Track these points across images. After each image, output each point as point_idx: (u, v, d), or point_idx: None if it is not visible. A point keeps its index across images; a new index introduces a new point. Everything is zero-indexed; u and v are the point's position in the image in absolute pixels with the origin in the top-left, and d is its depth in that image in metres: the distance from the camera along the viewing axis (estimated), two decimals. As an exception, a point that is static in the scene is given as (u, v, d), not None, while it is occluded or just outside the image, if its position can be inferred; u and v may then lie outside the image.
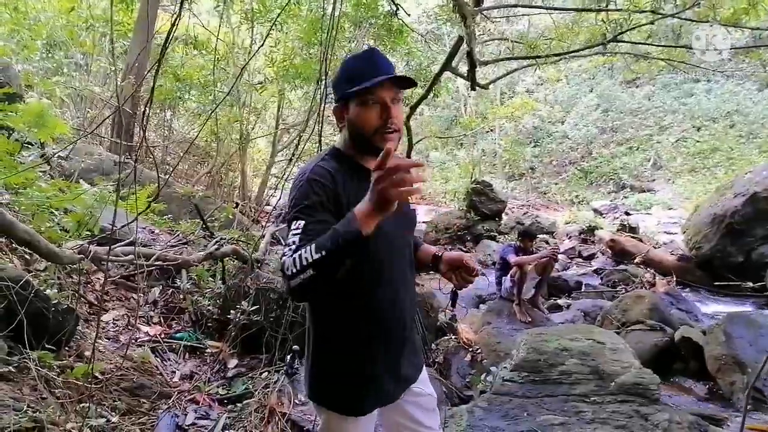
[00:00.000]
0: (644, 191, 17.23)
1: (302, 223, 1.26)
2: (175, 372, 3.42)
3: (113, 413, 2.61)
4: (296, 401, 3.06)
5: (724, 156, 16.69)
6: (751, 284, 6.55)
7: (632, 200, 16.51)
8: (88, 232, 3.59)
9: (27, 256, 3.40)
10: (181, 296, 4.31)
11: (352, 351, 1.46)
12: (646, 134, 19.29)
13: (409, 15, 7.85)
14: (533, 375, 3.21)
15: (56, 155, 5.00)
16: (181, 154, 10.11)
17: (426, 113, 21.38)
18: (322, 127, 3.70)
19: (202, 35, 9.99)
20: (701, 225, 7.60)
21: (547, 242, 10.55)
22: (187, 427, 2.79)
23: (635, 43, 7.40)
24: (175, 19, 2.49)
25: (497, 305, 5.41)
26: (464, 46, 6.37)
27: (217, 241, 4.70)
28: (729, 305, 6.55)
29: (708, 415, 3.26)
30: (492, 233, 11.24)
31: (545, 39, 9.35)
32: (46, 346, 2.67)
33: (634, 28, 6.48)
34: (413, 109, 8.38)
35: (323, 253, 1.14)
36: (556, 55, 7.56)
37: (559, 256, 8.15)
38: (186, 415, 2.88)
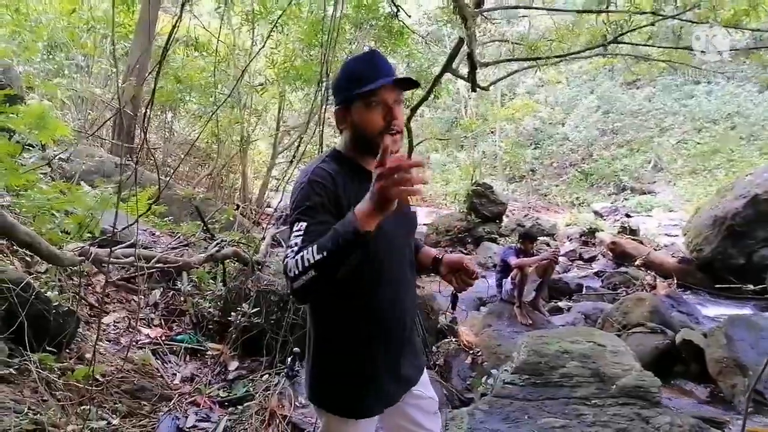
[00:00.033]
0: (645, 193, 17.24)
1: (304, 224, 1.26)
2: (175, 374, 3.41)
3: (114, 415, 2.61)
4: (297, 404, 3.05)
5: (725, 158, 16.69)
6: (752, 287, 6.55)
7: (633, 202, 16.51)
8: (89, 234, 3.59)
9: (28, 258, 3.40)
10: (182, 298, 4.30)
11: (351, 352, 1.46)
12: (647, 136, 19.29)
13: (409, 17, 7.86)
14: (534, 378, 3.21)
15: (57, 157, 5.01)
16: (182, 156, 10.09)
17: (426, 115, 21.39)
18: (323, 129, 3.70)
19: (203, 37, 10.01)
20: (702, 227, 7.60)
21: (547, 244, 10.55)
22: (187, 430, 2.79)
23: (636, 44, 7.40)
24: (176, 21, 2.49)
25: (498, 308, 5.41)
26: (465, 48, 6.38)
27: (217, 243, 4.70)
28: (730, 308, 6.53)
29: (709, 418, 3.25)
30: (493, 235, 11.23)
31: (546, 40, 9.34)
32: (47, 348, 2.67)
33: (634, 29, 6.49)
34: (414, 110, 8.39)
35: (324, 253, 1.15)
36: (556, 56, 7.57)
37: (560, 259, 8.17)
38: (186, 417, 2.87)
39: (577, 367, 3.21)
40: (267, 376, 3.39)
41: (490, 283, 5.60)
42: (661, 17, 6.18)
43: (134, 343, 3.50)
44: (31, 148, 3.92)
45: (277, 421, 2.86)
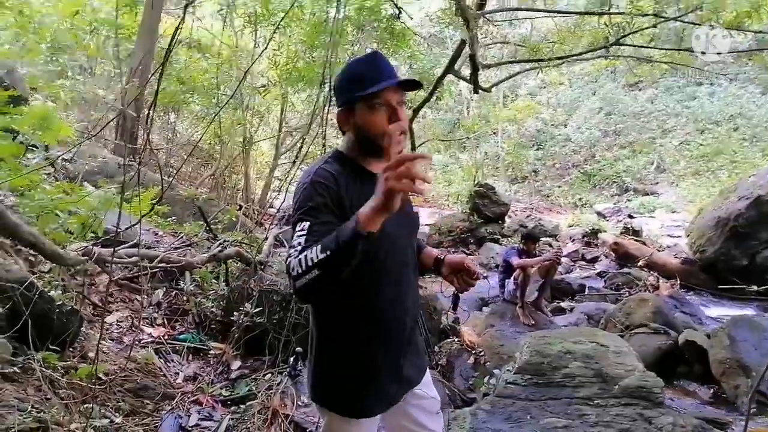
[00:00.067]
0: (647, 194, 17.19)
1: (307, 224, 1.27)
2: (178, 373, 3.42)
3: (117, 414, 2.62)
4: (299, 403, 3.06)
5: (728, 159, 16.64)
6: (755, 287, 6.53)
7: (635, 203, 16.47)
8: (92, 234, 3.60)
9: (32, 258, 3.42)
10: (185, 298, 4.32)
11: (353, 351, 1.47)
12: (649, 137, 19.24)
13: (411, 18, 7.89)
14: (536, 378, 3.21)
15: (61, 158, 5.03)
16: (185, 157, 10.13)
17: (429, 116, 21.39)
18: (326, 130, 3.71)
19: (206, 39, 10.04)
20: (705, 228, 7.58)
21: (550, 245, 10.53)
22: (190, 429, 2.79)
23: (638, 46, 7.40)
24: (180, 23, 2.50)
25: (500, 308, 5.40)
26: (467, 50, 6.39)
27: (220, 243, 4.71)
28: (733, 308, 6.52)
29: (712, 419, 3.24)
30: (495, 236, 11.21)
31: (548, 42, 9.36)
32: (51, 347, 2.68)
33: (636, 31, 6.49)
34: (416, 112, 8.40)
35: (328, 252, 1.15)
36: (558, 58, 7.58)
37: (562, 259, 8.16)
38: (189, 416, 2.88)
39: (579, 368, 3.21)
40: (269, 375, 3.40)
41: (491, 284, 5.60)
42: (663, 19, 6.18)
43: (137, 342, 3.51)
44: (34, 148, 3.95)
45: (280, 420, 2.87)
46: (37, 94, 6.92)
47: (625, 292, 7.12)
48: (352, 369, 1.47)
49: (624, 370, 3.16)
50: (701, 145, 17.83)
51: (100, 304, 3.66)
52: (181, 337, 3.84)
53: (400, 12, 7.21)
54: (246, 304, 3.67)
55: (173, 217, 5.91)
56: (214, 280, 4.59)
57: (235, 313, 3.67)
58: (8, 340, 2.51)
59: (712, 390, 4.17)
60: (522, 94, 23.75)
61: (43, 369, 2.50)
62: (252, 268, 4.09)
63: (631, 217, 14.34)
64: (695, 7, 5.93)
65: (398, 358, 1.52)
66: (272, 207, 10.19)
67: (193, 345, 3.76)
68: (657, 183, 17.79)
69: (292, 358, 3.29)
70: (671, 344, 4.50)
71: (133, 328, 3.70)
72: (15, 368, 2.42)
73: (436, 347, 4.52)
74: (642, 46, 7.62)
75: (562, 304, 6.69)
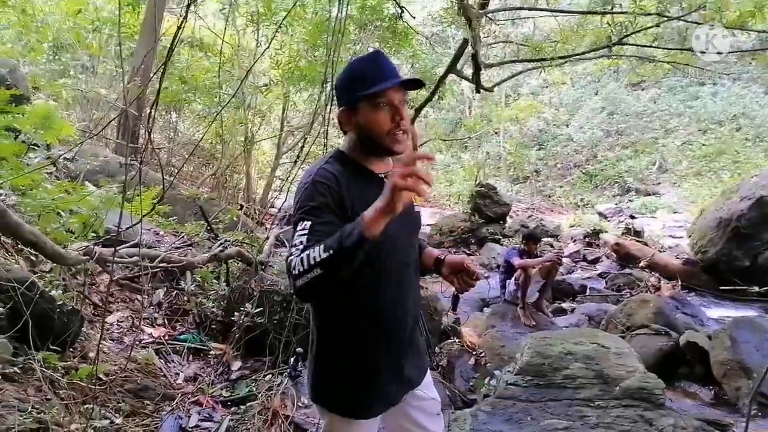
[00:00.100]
0: (649, 195, 17.15)
1: (308, 224, 1.27)
2: (178, 374, 3.42)
3: (117, 414, 2.62)
4: (300, 404, 3.06)
5: (730, 159, 16.61)
6: (757, 289, 6.51)
7: (637, 204, 16.44)
8: (93, 234, 3.60)
9: (33, 258, 3.42)
10: (186, 298, 4.32)
11: (353, 351, 1.47)
12: (652, 137, 19.22)
13: (414, 17, 7.87)
14: (537, 379, 3.20)
15: (62, 157, 5.03)
16: (187, 156, 10.13)
17: (431, 116, 21.37)
18: (327, 130, 3.70)
19: (208, 38, 10.04)
20: (707, 229, 7.56)
21: (551, 245, 10.52)
22: (190, 429, 2.79)
23: (641, 45, 7.38)
24: (182, 22, 2.50)
25: (501, 308, 5.39)
26: (469, 49, 6.38)
27: (221, 243, 4.71)
28: (735, 310, 6.50)
29: (713, 421, 3.23)
30: (496, 236, 11.21)
31: (550, 42, 9.33)
32: (51, 347, 2.68)
33: (639, 30, 6.47)
34: (418, 111, 8.39)
35: (331, 252, 1.15)
36: (561, 57, 7.56)
37: (564, 260, 8.15)
38: (189, 417, 2.88)
39: (580, 369, 3.20)
40: (270, 376, 3.40)
41: (492, 284, 5.59)
42: (666, 18, 6.16)
43: (138, 343, 3.52)
44: (36, 147, 3.95)
45: (280, 421, 2.86)
46: (39, 92, 6.92)
47: (627, 293, 7.10)
48: (353, 369, 1.47)
49: (625, 372, 3.16)
50: (704, 145, 17.80)
51: (101, 304, 3.66)
52: (182, 337, 3.84)
53: (402, 11, 7.19)
54: (247, 305, 3.67)
55: (174, 217, 5.90)
56: (214, 280, 4.58)
57: (235, 313, 3.67)
58: (9, 340, 2.51)
59: (713, 391, 4.16)
60: (524, 94, 23.74)
61: (44, 369, 2.50)
62: (253, 268, 4.09)
63: (632, 217, 14.33)
64: (698, 6, 5.91)
65: (399, 358, 1.52)
66: (273, 207, 10.19)
67: (193, 345, 3.76)
68: (659, 183, 17.77)
69: (292, 359, 3.29)
70: (672, 345, 4.49)
71: (134, 328, 3.70)
72: (15, 368, 2.42)
73: (436, 348, 4.52)
74: (645, 46, 7.60)
75: (563, 305, 6.68)
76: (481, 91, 7.78)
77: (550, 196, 19.61)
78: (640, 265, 8.32)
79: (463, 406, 3.55)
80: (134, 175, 4.69)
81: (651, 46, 7.92)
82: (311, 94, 10.54)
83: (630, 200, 17.12)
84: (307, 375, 1.58)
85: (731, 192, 7.74)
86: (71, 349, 2.95)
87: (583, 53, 7.69)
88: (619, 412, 2.91)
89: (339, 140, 1.59)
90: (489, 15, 7.24)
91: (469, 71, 7.23)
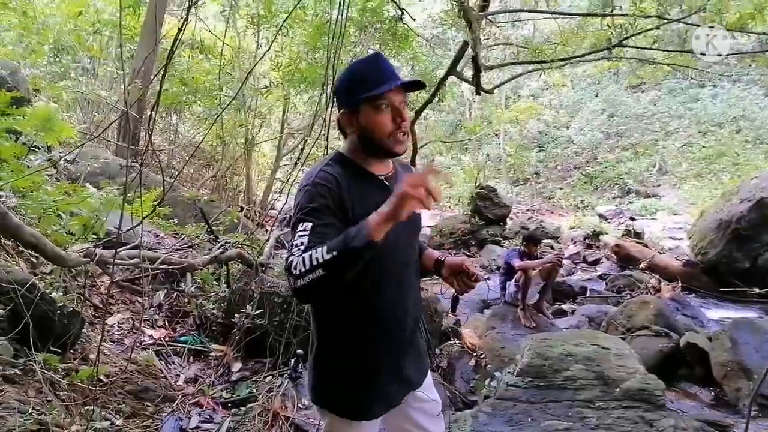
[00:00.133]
0: (649, 196, 17.14)
1: (310, 224, 1.27)
2: (179, 375, 3.42)
3: (118, 416, 2.62)
4: (300, 405, 3.06)
5: (730, 161, 16.60)
6: (757, 290, 6.51)
7: (637, 205, 16.42)
8: (93, 236, 3.61)
9: (33, 259, 3.42)
10: (186, 300, 4.32)
11: (353, 353, 1.47)
12: (652, 139, 19.21)
13: (414, 20, 7.87)
14: (537, 380, 3.20)
15: (63, 159, 5.03)
16: (187, 158, 10.15)
17: (431, 118, 21.37)
18: (328, 131, 3.71)
19: (208, 40, 10.05)
20: (707, 230, 7.56)
21: (551, 247, 10.52)
22: (191, 431, 2.79)
23: (641, 48, 7.38)
24: (183, 24, 2.50)
25: (501, 310, 5.40)
26: (469, 51, 6.39)
27: (221, 245, 4.71)
28: (735, 311, 6.50)
29: (713, 422, 3.23)
30: (496, 238, 11.20)
31: (550, 44, 9.34)
32: (52, 348, 2.68)
33: (639, 33, 6.47)
34: (418, 113, 8.40)
35: (334, 254, 1.16)
36: (561, 59, 7.56)
37: (564, 261, 8.14)
38: (190, 418, 2.88)
39: (581, 370, 3.20)
40: (270, 377, 3.40)
41: (491, 286, 5.59)
42: (666, 21, 6.17)
43: (138, 344, 3.52)
44: (37, 149, 3.96)
45: (280, 422, 2.86)
46: (40, 95, 6.94)
47: (627, 295, 7.10)
48: (353, 370, 1.47)
49: (625, 373, 3.16)
50: (704, 147, 17.79)
51: (101, 306, 3.66)
52: (182, 338, 3.84)
53: (402, 13, 7.20)
54: (247, 306, 3.67)
55: (175, 219, 5.91)
56: (215, 282, 4.58)
57: (236, 315, 3.68)
58: (9, 342, 2.51)
59: (713, 393, 4.16)
60: (524, 96, 23.72)
61: (44, 371, 2.50)
62: (253, 270, 4.09)
63: (632, 219, 14.32)
64: (698, 8, 5.91)
65: (399, 359, 1.53)
66: (274, 209, 10.20)
67: (193, 347, 3.76)
68: (659, 185, 17.76)
69: (292, 360, 3.28)
70: (673, 347, 4.49)
71: (134, 330, 3.71)
72: (16, 370, 2.43)
73: (437, 349, 4.52)
74: (645, 48, 7.60)
75: (564, 307, 6.68)
76: (482, 93, 7.79)
77: (550, 198, 19.60)
78: (641, 266, 8.31)
79: (464, 408, 3.55)
80: (135, 177, 4.70)
81: (651, 48, 7.92)
82: (311, 96, 10.56)
83: (630, 202, 17.10)
84: (308, 376, 1.58)
85: (731, 194, 7.75)
86: (72, 351, 2.95)
87: (583, 55, 7.69)
88: (619, 413, 2.91)
89: (339, 142, 1.59)
90: (489, 17, 7.25)
91: (469, 73, 7.24)
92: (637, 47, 7.24)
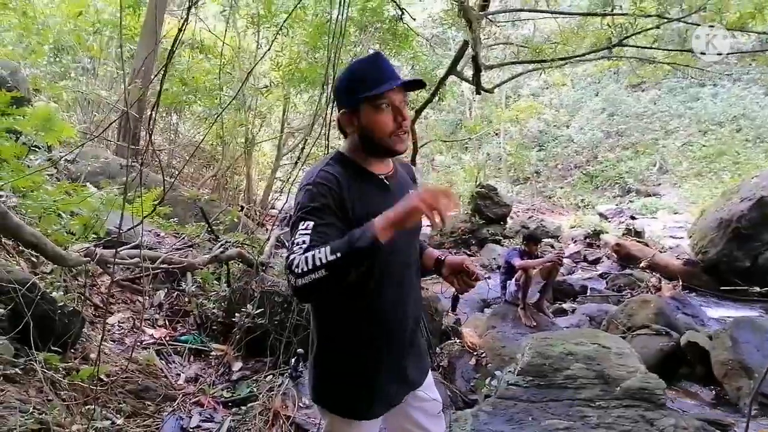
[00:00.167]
0: (650, 195, 17.13)
1: (311, 224, 1.27)
2: (179, 375, 3.42)
3: (118, 415, 2.62)
4: (301, 404, 3.06)
5: (731, 160, 16.59)
6: (758, 289, 6.51)
7: (638, 204, 16.42)
8: (94, 235, 3.61)
9: (34, 259, 3.43)
10: (186, 299, 4.32)
11: (354, 352, 1.47)
12: (652, 138, 19.20)
13: (414, 19, 7.88)
14: (538, 379, 3.20)
15: (63, 158, 5.03)
16: (187, 158, 10.15)
17: (431, 117, 21.35)
18: (329, 131, 3.71)
19: (209, 39, 10.05)
20: (707, 229, 7.56)
21: (552, 246, 10.52)
22: (191, 430, 2.79)
23: (641, 47, 7.38)
24: (183, 24, 2.50)
25: (502, 309, 5.40)
26: (469, 51, 6.39)
27: (222, 245, 4.71)
28: (736, 310, 6.50)
29: (714, 421, 3.24)
30: (497, 237, 11.21)
31: (551, 43, 9.34)
32: (52, 348, 2.68)
33: (639, 32, 6.47)
34: (418, 113, 8.40)
35: (338, 255, 1.16)
36: (561, 59, 7.56)
37: (564, 260, 8.15)
38: (191, 417, 2.88)
39: (581, 369, 3.20)
40: (271, 376, 3.40)
41: (491, 285, 5.59)
42: (666, 20, 6.16)
43: (139, 344, 3.52)
44: (37, 149, 3.96)
45: (281, 421, 2.87)
46: (40, 94, 6.94)
47: (627, 294, 7.11)
48: (354, 370, 1.47)
49: (626, 372, 3.16)
50: (704, 146, 17.78)
51: (102, 305, 3.66)
52: (183, 338, 3.84)
53: (402, 13, 7.20)
54: (248, 306, 3.67)
55: (175, 218, 5.91)
56: (215, 282, 4.59)
57: (236, 314, 3.67)
58: (10, 342, 2.51)
59: (714, 391, 4.16)
60: (524, 95, 23.71)
61: (45, 370, 2.50)
62: (254, 270, 4.09)
63: (633, 218, 14.32)
64: (699, 8, 5.91)
65: (400, 359, 1.53)
66: (274, 208, 10.20)
67: (194, 346, 3.76)
68: (659, 184, 17.75)
69: (293, 360, 3.29)
70: (673, 346, 4.49)
71: (135, 330, 3.71)
72: (17, 369, 2.43)
73: (437, 348, 4.52)
74: (645, 47, 7.60)
75: (564, 306, 6.68)
76: (482, 92, 7.79)
77: (550, 197, 19.59)
78: (641, 265, 8.32)
79: (464, 407, 3.55)
80: (135, 176, 4.70)
81: (651, 48, 7.92)
82: (312, 95, 10.56)
83: (630, 201, 17.10)
84: (308, 375, 1.58)
85: (732, 193, 7.75)
86: (72, 351, 2.95)
87: (584, 55, 7.69)
88: (620, 412, 2.91)
89: (340, 142, 1.59)
90: (489, 17, 7.25)
91: (469, 73, 7.24)
92: (638, 46, 7.24)
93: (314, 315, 1.52)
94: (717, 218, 7.43)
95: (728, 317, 5.66)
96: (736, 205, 7.23)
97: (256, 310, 3.63)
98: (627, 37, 6.48)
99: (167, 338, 3.76)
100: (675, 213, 14.89)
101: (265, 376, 3.42)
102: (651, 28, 6.63)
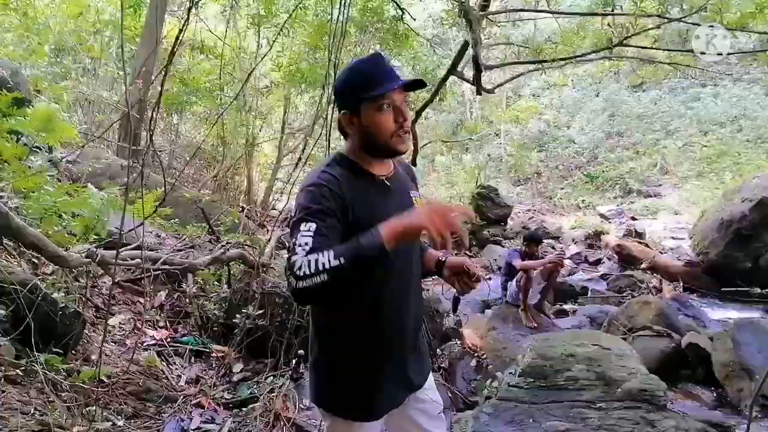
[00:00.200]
0: (651, 196, 17.13)
1: (313, 225, 1.26)
2: (180, 376, 3.42)
3: (119, 417, 2.62)
4: (301, 406, 3.06)
5: (732, 161, 16.58)
6: (759, 290, 6.50)
7: (639, 205, 16.42)
8: (95, 236, 3.61)
9: (35, 260, 3.42)
10: (187, 300, 4.32)
11: (355, 354, 1.46)
12: (653, 139, 19.20)
13: (414, 19, 7.90)
14: (539, 381, 3.20)
15: (64, 159, 5.04)
16: (188, 159, 10.16)
17: (431, 117, 21.37)
18: (330, 132, 3.70)
19: (209, 40, 10.05)
20: (708, 230, 7.56)
21: (553, 247, 10.53)
22: (192, 431, 2.80)
23: (642, 47, 7.38)
24: (183, 25, 2.51)
25: (502, 310, 5.39)
26: (470, 51, 6.39)
27: (223, 246, 4.71)
28: (737, 311, 6.48)
29: (715, 423, 3.23)
30: (497, 238, 11.20)
31: (551, 43, 9.35)
32: (53, 349, 2.68)
33: (640, 32, 6.48)
34: (419, 113, 8.40)
35: (341, 260, 1.15)
36: (562, 59, 7.56)
37: (565, 262, 8.14)
38: (191, 419, 2.88)
39: (582, 371, 3.20)
40: (271, 378, 3.40)
41: (492, 286, 5.59)
42: (666, 20, 6.16)
43: (140, 345, 3.52)
44: (38, 150, 3.95)
45: (282, 423, 2.87)
46: (40, 95, 6.93)
47: (628, 295, 7.10)
48: (354, 372, 1.47)
49: (627, 373, 3.15)
50: (705, 146, 17.77)
51: (103, 307, 3.66)
52: (184, 339, 3.84)
53: (403, 13, 7.21)
54: (248, 307, 3.66)
55: (176, 219, 5.90)
56: (216, 283, 4.58)
57: (237, 315, 3.67)
58: (11, 343, 2.51)
59: (715, 393, 4.14)
60: (525, 96, 23.73)
61: (46, 371, 2.50)
62: (254, 271, 4.08)
63: (634, 219, 14.34)
64: (699, 8, 5.91)
65: (401, 360, 1.52)
66: (275, 209, 10.20)
67: (195, 347, 3.76)
68: (660, 185, 17.75)
69: (294, 361, 3.29)
70: (674, 347, 4.48)
71: (136, 331, 3.70)
72: (18, 371, 2.43)
73: (438, 350, 4.51)
74: (646, 47, 7.60)
75: (565, 307, 6.68)
76: (482, 92, 7.79)
77: (551, 198, 19.59)
78: (642, 266, 8.31)
79: (465, 408, 3.55)
80: (136, 177, 4.70)
81: (652, 48, 7.93)
82: (312, 96, 10.56)
83: (631, 202, 17.10)
84: (309, 377, 1.58)
85: (732, 193, 7.74)
86: (73, 352, 2.95)
87: (584, 55, 7.69)
88: (621, 413, 2.90)
89: (341, 142, 1.59)
90: (490, 17, 7.25)
91: (470, 73, 7.23)
92: (638, 47, 7.24)
93: (314, 316, 1.52)
94: (718, 219, 7.42)
95: (729, 319, 5.65)
96: (737, 206, 7.22)
97: (256, 312, 3.63)
98: (628, 37, 6.48)
99: (168, 339, 3.76)
100: (676, 214, 14.90)
101: (266, 378, 3.42)
102: (651, 28, 6.64)
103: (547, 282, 5.44)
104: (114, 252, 2.96)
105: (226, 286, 4.41)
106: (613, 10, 6.85)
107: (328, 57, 3.81)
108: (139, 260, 3.68)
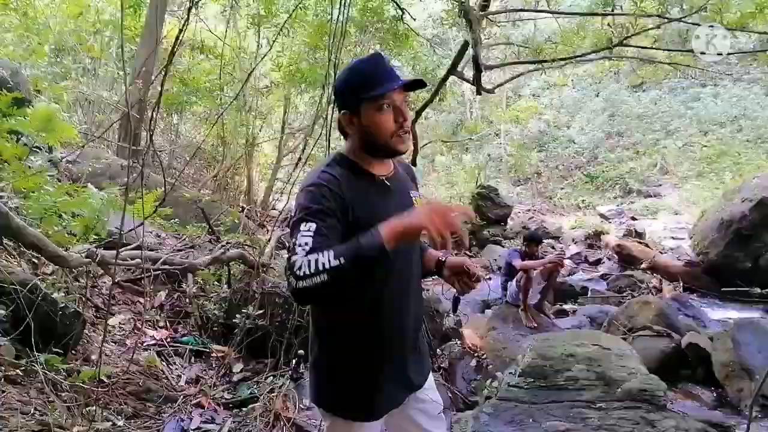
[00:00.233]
0: (651, 196, 17.13)
1: (313, 225, 1.26)
2: (180, 376, 3.42)
3: (119, 417, 2.62)
4: (301, 406, 3.06)
5: (732, 161, 16.57)
6: (759, 290, 6.50)
7: (639, 205, 16.42)
8: (95, 236, 3.61)
9: (35, 260, 3.42)
10: (187, 300, 4.32)
11: (355, 354, 1.46)
12: (653, 139, 19.20)
13: (414, 19, 7.90)
14: (539, 381, 3.20)
15: (64, 159, 5.04)
16: (188, 159, 10.16)
17: (431, 117, 21.37)
18: (330, 132, 3.70)
19: (209, 40, 10.05)
20: (708, 230, 7.56)
21: (553, 247, 10.53)
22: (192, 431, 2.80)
23: (642, 47, 7.38)
24: (183, 25, 2.51)
25: (502, 310, 5.39)
26: (470, 51, 6.39)
27: (223, 246, 4.71)
28: (737, 311, 6.48)
29: (715, 423, 3.23)
30: (497, 238, 11.20)
31: (551, 43, 9.35)
32: (53, 349, 2.68)
33: (640, 32, 6.47)
34: (419, 113, 8.40)
35: (341, 260, 1.15)
36: (562, 59, 7.56)
37: (565, 262, 8.14)
38: (191, 419, 2.88)
39: (582, 371, 3.20)
40: (271, 378, 3.40)
41: (492, 286, 5.59)
42: (667, 20, 6.16)
43: (140, 345, 3.52)
44: (38, 150, 3.95)
45: (282, 423, 2.87)
46: (40, 95, 6.93)
47: (628, 295, 7.10)
48: (354, 372, 1.47)
49: (627, 373, 3.15)
50: (705, 146, 17.77)
51: (103, 307, 3.66)
52: (184, 339, 3.84)
53: (403, 13, 7.21)
54: (248, 307, 3.66)
55: (176, 219, 5.90)
56: (216, 283, 4.58)
57: (237, 315, 3.67)
58: (11, 343, 2.51)
59: (715, 393, 4.14)
60: (525, 96, 23.73)
61: (46, 371, 2.50)
62: (255, 271, 4.08)
63: (634, 219, 14.34)
64: (699, 8, 5.91)
65: (401, 360, 1.52)
66: (275, 209, 10.20)
67: (195, 347, 3.76)
68: (660, 185, 17.75)
69: (294, 361, 3.29)
70: (674, 347, 4.48)
71: (136, 331, 3.70)
72: (18, 371, 2.43)
73: (438, 350, 4.51)
74: (646, 47, 7.60)
75: (565, 307, 6.68)
76: (482, 92, 7.79)
77: (551, 198, 19.59)
78: (642, 266, 8.31)
79: (465, 408, 3.55)
80: (136, 177, 4.70)
81: (652, 48, 7.93)
82: (312, 96, 10.57)
83: (631, 202, 17.11)
84: (309, 377, 1.58)
85: (732, 193, 7.73)
86: (73, 352, 2.95)
87: (584, 55, 7.69)
88: (621, 413, 2.90)
89: (341, 142, 1.59)
90: (490, 17, 7.25)
91: (470, 73, 7.23)
92: (638, 47, 7.24)
93: (314, 316, 1.52)
94: (718, 219, 7.42)
95: (729, 319, 5.65)
96: (737, 206, 7.22)
97: (256, 312, 3.63)
98: (628, 37, 6.48)
99: (168, 339, 3.76)
100: (676, 214, 14.90)
101: (266, 378, 3.42)
102: (651, 28, 6.65)
103: (547, 282, 5.44)
104: (114, 252, 2.96)
105: (226, 286, 4.41)
106: (613, 10, 6.85)
107: (328, 57, 3.81)
108: (139, 260, 3.68)
